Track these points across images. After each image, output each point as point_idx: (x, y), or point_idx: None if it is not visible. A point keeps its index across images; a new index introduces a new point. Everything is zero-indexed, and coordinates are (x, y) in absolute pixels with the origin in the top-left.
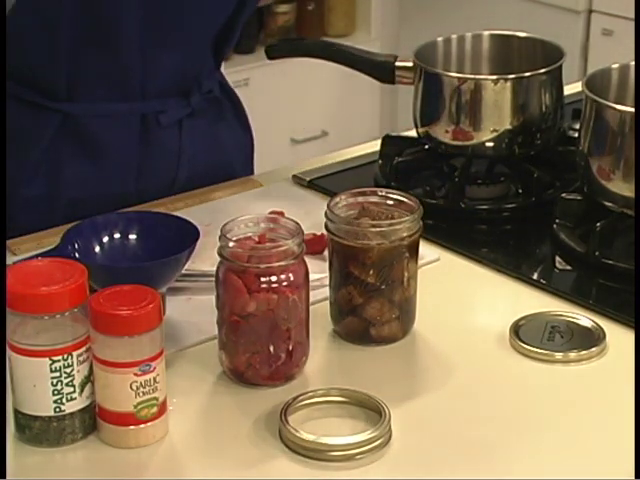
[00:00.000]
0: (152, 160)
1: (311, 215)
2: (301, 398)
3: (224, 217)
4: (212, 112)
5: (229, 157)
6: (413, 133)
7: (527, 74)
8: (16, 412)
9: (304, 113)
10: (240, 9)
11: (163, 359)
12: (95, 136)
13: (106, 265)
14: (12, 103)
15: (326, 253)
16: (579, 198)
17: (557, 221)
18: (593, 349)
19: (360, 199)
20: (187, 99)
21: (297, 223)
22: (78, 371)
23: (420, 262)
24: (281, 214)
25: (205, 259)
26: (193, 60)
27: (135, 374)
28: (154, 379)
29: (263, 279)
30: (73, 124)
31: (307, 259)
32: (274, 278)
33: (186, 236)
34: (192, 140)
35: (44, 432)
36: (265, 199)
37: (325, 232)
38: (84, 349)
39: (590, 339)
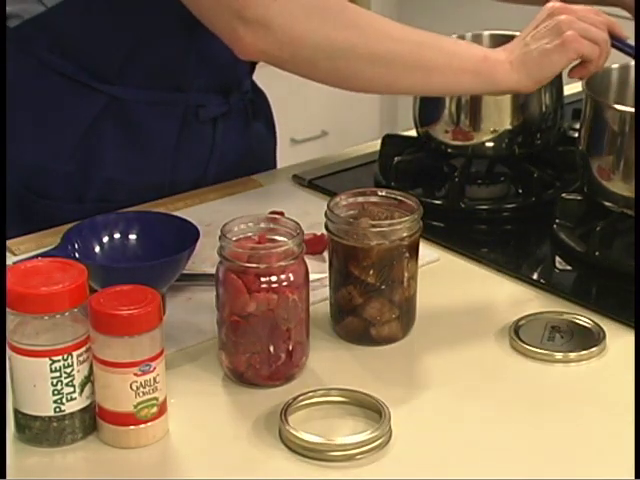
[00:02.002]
0: (186, 154)
1: (311, 215)
2: (301, 398)
3: (224, 217)
4: (246, 113)
5: (256, 156)
6: (413, 133)
7: None
8: (16, 412)
9: (304, 113)
10: None
11: (163, 359)
12: (137, 122)
13: (106, 265)
14: (58, 80)
15: (326, 253)
16: (579, 198)
17: (557, 221)
18: (593, 349)
19: (360, 199)
20: (226, 97)
21: (297, 223)
22: (78, 371)
23: (420, 262)
24: (281, 214)
25: (205, 259)
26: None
27: (135, 374)
28: (154, 379)
29: (263, 279)
30: (118, 107)
31: (307, 259)
32: (274, 278)
33: (186, 236)
34: (224, 138)
35: (44, 432)
36: (265, 199)
37: (325, 232)
38: (84, 349)
39: (590, 339)
